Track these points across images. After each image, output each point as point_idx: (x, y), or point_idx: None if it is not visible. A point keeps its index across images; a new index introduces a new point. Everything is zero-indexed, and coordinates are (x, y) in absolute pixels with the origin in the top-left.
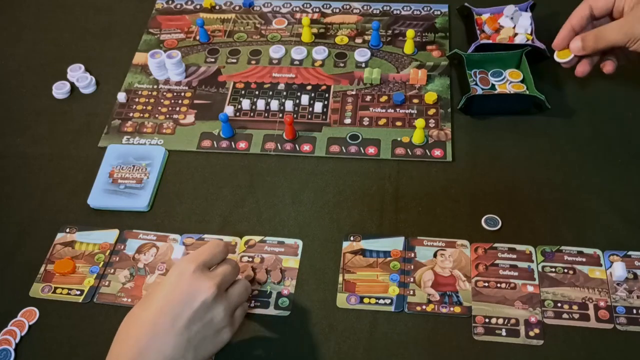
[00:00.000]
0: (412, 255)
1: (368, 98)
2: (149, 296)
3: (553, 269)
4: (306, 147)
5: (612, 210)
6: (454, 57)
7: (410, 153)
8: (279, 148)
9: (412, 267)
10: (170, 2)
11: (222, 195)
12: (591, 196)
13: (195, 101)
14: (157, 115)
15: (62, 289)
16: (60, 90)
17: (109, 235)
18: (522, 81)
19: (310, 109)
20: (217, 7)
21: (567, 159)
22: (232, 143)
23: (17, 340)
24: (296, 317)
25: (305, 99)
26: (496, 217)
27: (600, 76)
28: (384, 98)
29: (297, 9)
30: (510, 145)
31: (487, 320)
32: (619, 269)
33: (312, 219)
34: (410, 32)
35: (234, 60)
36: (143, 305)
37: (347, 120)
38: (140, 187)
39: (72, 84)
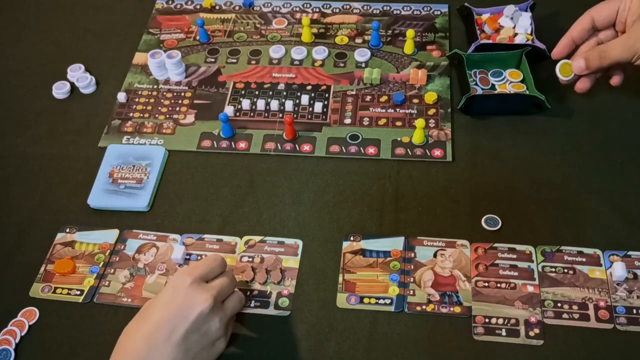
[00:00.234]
0: (412, 255)
1: (368, 98)
2: (145, 310)
3: (553, 269)
4: (306, 147)
5: (612, 210)
6: (454, 57)
7: (410, 153)
8: (279, 148)
9: (412, 267)
10: (170, 2)
11: (222, 195)
12: (591, 196)
13: (195, 101)
14: (157, 115)
15: (62, 289)
16: (60, 90)
17: (109, 235)
18: (522, 81)
19: (310, 109)
20: (217, 7)
21: (567, 159)
22: (232, 143)
23: (17, 340)
24: (296, 317)
25: (305, 99)
26: (496, 217)
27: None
28: (384, 98)
29: (297, 9)
30: (510, 145)
31: (487, 320)
32: (619, 269)
33: (312, 219)
34: (410, 32)
35: (234, 60)
36: (140, 320)
37: (347, 120)
38: (140, 187)
39: (72, 84)
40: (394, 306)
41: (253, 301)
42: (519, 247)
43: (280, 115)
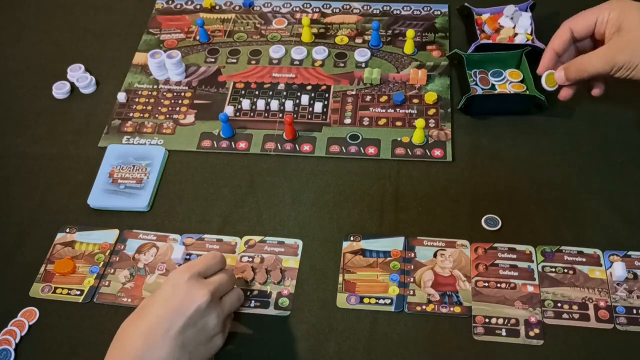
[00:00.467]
0: (412, 255)
1: (368, 98)
2: (143, 307)
3: (553, 269)
4: (306, 147)
5: (612, 210)
6: (454, 57)
7: (410, 153)
8: (279, 148)
9: (412, 267)
10: (170, 2)
11: (222, 195)
12: (591, 196)
13: (195, 101)
14: (157, 115)
15: (62, 289)
16: (60, 90)
17: (109, 235)
18: (522, 81)
19: (310, 109)
20: (217, 7)
21: (567, 159)
22: (232, 143)
23: (17, 340)
24: (296, 317)
25: (305, 99)
26: (496, 217)
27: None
28: (384, 98)
29: (297, 9)
30: (510, 145)
31: (487, 320)
32: (619, 269)
33: (312, 219)
34: (410, 32)
35: (234, 60)
36: (138, 316)
37: (347, 120)
38: (140, 187)
39: (72, 84)
40: (394, 306)
41: (253, 301)
42: (519, 247)
43: (280, 115)
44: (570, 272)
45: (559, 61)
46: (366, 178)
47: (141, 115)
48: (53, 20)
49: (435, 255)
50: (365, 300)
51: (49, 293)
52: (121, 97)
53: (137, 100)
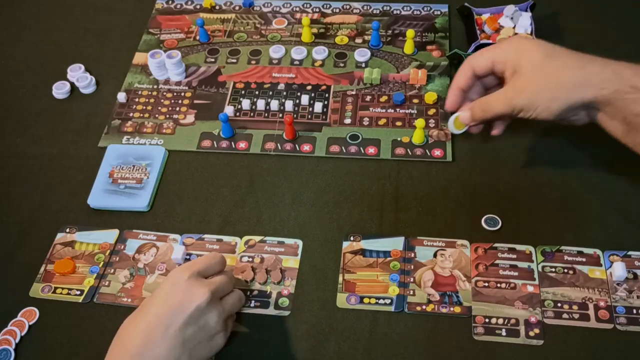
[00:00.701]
0: (412, 255)
1: (368, 98)
2: (143, 306)
3: (553, 269)
4: (306, 147)
5: (612, 210)
6: (454, 57)
7: (410, 153)
8: (279, 148)
9: (412, 267)
10: (170, 2)
11: (222, 195)
12: (591, 196)
13: (195, 101)
14: (157, 115)
15: (62, 289)
16: (60, 90)
17: (109, 235)
18: None
19: (310, 109)
20: (217, 7)
21: (567, 159)
22: (232, 143)
23: (17, 340)
24: (296, 317)
25: (305, 99)
26: (496, 217)
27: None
28: (384, 98)
29: (297, 9)
30: (510, 145)
31: (487, 320)
32: (619, 269)
33: (312, 219)
34: (410, 32)
35: (234, 60)
36: (138, 314)
37: (347, 120)
38: (140, 187)
39: (72, 84)
40: (394, 306)
41: (253, 301)
42: (519, 247)
43: (280, 115)
44: (570, 272)
45: (466, 97)
46: (366, 178)
47: (141, 115)
48: (53, 20)
49: (435, 255)
50: (365, 300)
51: (49, 293)
52: (121, 97)
53: (137, 100)
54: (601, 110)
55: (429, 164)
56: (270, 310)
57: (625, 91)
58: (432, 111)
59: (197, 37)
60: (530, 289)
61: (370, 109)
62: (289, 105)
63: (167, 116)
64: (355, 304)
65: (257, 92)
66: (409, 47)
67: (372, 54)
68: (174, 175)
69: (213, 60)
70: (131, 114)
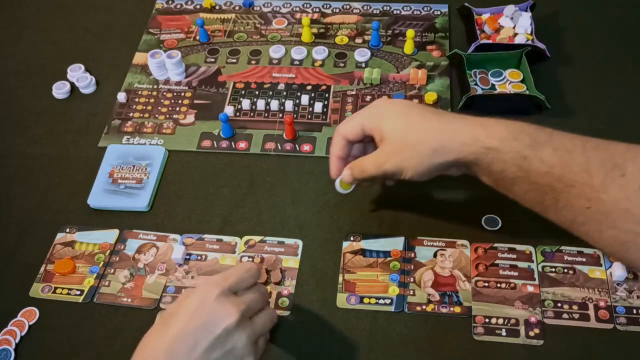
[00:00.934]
0: (412, 255)
1: (368, 98)
2: (167, 320)
3: (553, 269)
4: (306, 147)
5: None
6: (454, 57)
7: None
8: (279, 148)
9: (412, 267)
10: (170, 2)
11: (222, 195)
12: None
13: (195, 101)
14: (157, 115)
15: (62, 289)
16: (60, 90)
17: (109, 235)
18: (522, 81)
19: (310, 109)
20: (217, 7)
21: None
22: (232, 143)
23: (17, 340)
24: (296, 317)
25: (305, 99)
26: (496, 217)
27: (600, 77)
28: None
29: (297, 9)
30: None
31: (487, 320)
32: (619, 269)
33: (312, 219)
34: (410, 32)
35: (234, 60)
36: (161, 329)
37: None
38: (140, 187)
39: (72, 84)
40: (394, 306)
41: None
42: (519, 247)
43: (280, 115)
44: (570, 272)
45: (350, 158)
46: None
47: (141, 115)
48: (53, 20)
49: (435, 255)
50: (365, 300)
51: (49, 293)
52: (121, 97)
53: (137, 100)
54: (468, 167)
55: None
56: None
57: (482, 152)
58: None
59: (197, 37)
60: (530, 289)
61: None
62: (289, 105)
63: (167, 116)
64: (355, 304)
65: (257, 92)
66: (409, 47)
67: (372, 54)
68: (174, 175)
69: (213, 60)
70: (131, 114)
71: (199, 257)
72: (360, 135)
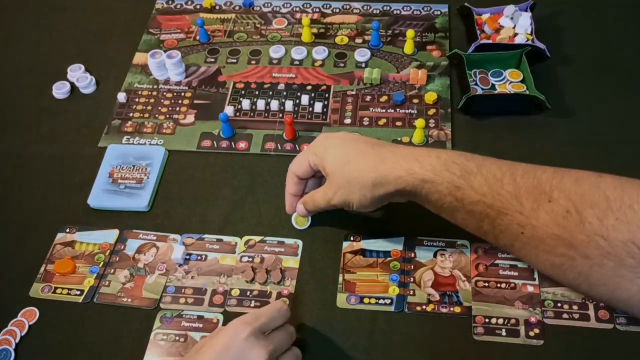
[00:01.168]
0: (412, 255)
1: (368, 98)
2: (195, 355)
3: None
4: (306, 147)
5: None
6: (454, 57)
7: None
8: (279, 148)
9: (412, 267)
10: (170, 2)
11: (222, 195)
12: None
13: (195, 101)
14: (157, 115)
15: (62, 289)
16: (60, 90)
17: (109, 235)
18: (522, 81)
19: (310, 109)
20: (217, 7)
21: (567, 159)
22: (232, 143)
23: (17, 340)
24: (296, 317)
25: (305, 99)
26: None
27: (600, 77)
28: (384, 98)
29: (297, 9)
30: (510, 145)
31: (487, 320)
32: None
33: (312, 218)
34: (410, 32)
35: (234, 60)
36: None
37: (347, 120)
38: (140, 187)
39: (72, 84)
40: (394, 306)
41: (253, 301)
42: None
43: (280, 115)
44: None
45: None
46: None
47: (141, 115)
48: (53, 20)
49: (435, 255)
50: (365, 300)
51: (49, 293)
52: (121, 97)
53: (137, 100)
54: (410, 196)
55: None
56: None
57: (418, 184)
58: (432, 111)
59: (197, 37)
60: (530, 289)
61: (370, 109)
62: (289, 105)
63: (167, 116)
64: (355, 304)
65: (257, 92)
66: (409, 47)
67: (372, 54)
68: (174, 175)
69: (213, 60)
70: (131, 114)
71: (199, 257)
72: (310, 171)
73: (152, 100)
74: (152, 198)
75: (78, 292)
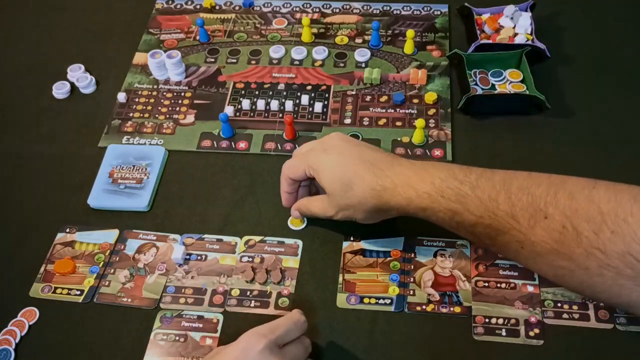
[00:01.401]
0: (412, 255)
1: (368, 98)
2: None
3: None
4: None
5: None
6: (454, 57)
7: (410, 153)
8: (279, 148)
9: (412, 267)
10: (170, 2)
11: (222, 195)
12: None
13: (195, 101)
14: (157, 115)
15: (62, 289)
16: (60, 90)
17: (109, 235)
18: (522, 81)
19: (310, 109)
20: (217, 7)
21: (567, 159)
22: (232, 143)
23: (17, 340)
24: None
25: (305, 99)
26: None
27: (600, 77)
28: (384, 98)
29: (297, 9)
30: (510, 145)
31: (487, 320)
32: None
33: (312, 218)
34: (410, 32)
35: (234, 60)
36: None
37: (347, 120)
38: (140, 187)
39: (72, 84)
40: (394, 306)
41: (253, 301)
42: None
43: (280, 115)
44: None
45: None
46: None
47: (141, 115)
48: (53, 20)
49: (435, 255)
50: (365, 300)
51: (49, 293)
52: (121, 97)
53: (137, 100)
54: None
55: None
56: (270, 310)
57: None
58: (432, 111)
59: (197, 37)
60: (530, 289)
61: (370, 109)
62: (289, 105)
63: (167, 116)
64: (355, 304)
65: (257, 92)
66: (409, 47)
67: (372, 54)
68: (174, 175)
69: (213, 60)
70: (131, 114)
71: (199, 257)
72: (305, 177)
73: (152, 100)
74: (152, 198)
75: (78, 292)
